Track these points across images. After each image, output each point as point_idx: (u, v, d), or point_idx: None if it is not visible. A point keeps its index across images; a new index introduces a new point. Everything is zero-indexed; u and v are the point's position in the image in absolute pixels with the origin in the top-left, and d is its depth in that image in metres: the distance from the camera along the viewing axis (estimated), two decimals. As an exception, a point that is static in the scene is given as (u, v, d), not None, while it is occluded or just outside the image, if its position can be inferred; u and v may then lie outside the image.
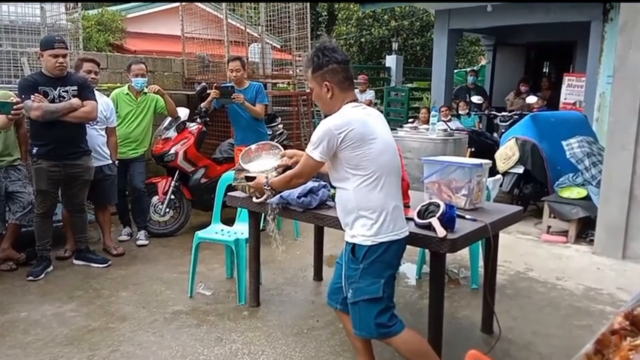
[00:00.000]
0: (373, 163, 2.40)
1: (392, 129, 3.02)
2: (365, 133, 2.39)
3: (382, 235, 2.40)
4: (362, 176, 2.40)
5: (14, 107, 3.80)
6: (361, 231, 2.42)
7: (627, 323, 1.34)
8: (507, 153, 6.06)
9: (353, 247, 2.46)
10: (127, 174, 5.15)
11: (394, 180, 2.49)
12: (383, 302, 2.44)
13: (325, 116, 2.52)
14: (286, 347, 3.21)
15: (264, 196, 3.29)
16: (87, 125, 4.50)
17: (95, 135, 4.65)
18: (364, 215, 2.41)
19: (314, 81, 2.52)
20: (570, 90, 8.39)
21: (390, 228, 2.42)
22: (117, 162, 4.93)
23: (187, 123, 5.52)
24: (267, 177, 2.97)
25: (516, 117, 7.47)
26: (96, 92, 4.74)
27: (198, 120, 5.54)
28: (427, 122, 7.48)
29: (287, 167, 2.99)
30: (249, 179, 3.17)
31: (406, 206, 3.13)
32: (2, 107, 3.82)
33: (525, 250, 5.10)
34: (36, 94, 3.97)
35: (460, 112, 8.77)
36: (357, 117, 2.43)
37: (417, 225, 2.73)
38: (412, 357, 2.53)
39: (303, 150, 2.70)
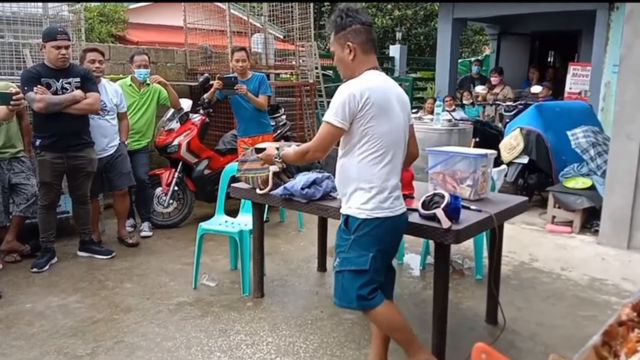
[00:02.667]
0: (383, 138, 2.38)
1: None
2: (384, 106, 2.37)
3: (378, 211, 2.40)
4: (370, 149, 2.38)
5: (14, 97, 3.75)
6: (357, 203, 2.41)
7: (634, 314, 1.32)
8: (512, 143, 6.03)
9: (347, 218, 2.46)
10: (131, 166, 5.14)
11: (399, 158, 2.48)
12: (368, 275, 2.42)
13: (345, 82, 2.45)
14: (290, 338, 3.21)
15: (268, 187, 3.29)
16: (98, 116, 4.51)
17: (108, 126, 4.64)
18: (363, 188, 2.40)
19: (336, 43, 2.45)
20: (576, 79, 8.34)
21: (387, 204, 2.42)
22: (127, 143, 4.91)
23: (190, 114, 5.51)
24: (278, 149, 2.86)
25: (521, 107, 7.43)
26: (104, 80, 4.76)
27: (201, 111, 5.53)
28: (432, 112, 7.45)
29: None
30: (259, 150, 3.03)
31: (410, 197, 3.12)
32: (1, 97, 3.78)
33: (530, 240, 5.08)
34: (39, 86, 3.96)
35: (464, 102, 8.73)
36: (379, 86, 2.39)
37: (421, 216, 2.71)
38: (387, 329, 2.58)
39: (304, 141, 2.67)
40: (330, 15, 2.51)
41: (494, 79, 8.69)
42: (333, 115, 2.36)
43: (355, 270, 2.42)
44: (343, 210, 2.50)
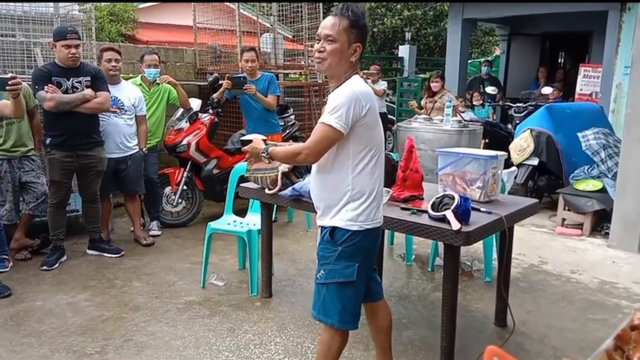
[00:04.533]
0: (377, 147, 2.31)
1: (405, 119, 2.96)
2: (376, 114, 2.31)
3: (368, 222, 2.30)
4: (366, 158, 2.27)
5: (9, 82, 3.56)
6: (349, 215, 2.28)
7: (648, 319, 1.31)
8: (522, 144, 6.00)
9: (333, 230, 2.32)
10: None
11: (383, 162, 2.41)
12: (354, 286, 2.35)
13: (336, 83, 2.31)
14: (298, 338, 3.21)
15: (277, 188, 3.29)
16: (114, 114, 4.53)
17: (122, 125, 4.65)
18: (356, 199, 2.28)
19: (344, 34, 2.24)
20: (586, 81, 8.27)
21: (375, 215, 2.33)
22: (145, 150, 4.92)
23: (200, 114, 5.52)
24: (266, 143, 2.63)
25: (531, 108, 7.39)
26: (125, 82, 4.79)
27: (210, 111, 5.54)
28: (463, 109, 7.43)
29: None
30: (244, 142, 2.78)
31: (420, 198, 3.11)
32: None
33: (540, 243, 5.05)
34: (49, 85, 3.98)
35: (474, 103, 8.69)
36: (371, 92, 2.33)
37: (431, 217, 2.71)
38: (322, 356, 2.44)
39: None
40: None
41: (434, 85, 7.30)
42: (334, 117, 2.18)
43: (342, 282, 2.32)
44: (328, 223, 2.34)
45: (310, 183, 2.52)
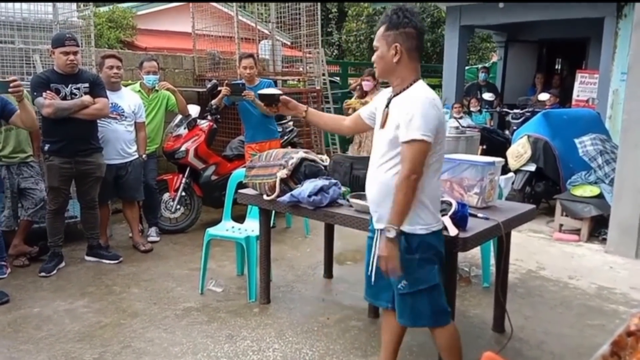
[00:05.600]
0: (443, 148, 2.35)
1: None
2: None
3: (435, 224, 2.36)
4: (436, 163, 2.32)
5: (11, 85, 3.55)
6: (420, 220, 2.31)
7: (644, 325, 1.32)
8: (519, 151, 6.01)
9: (407, 238, 2.31)
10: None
11: None
12: (438, 288, 2.39)
13: (384, 82, 2.34)
14: (297, 345, 3.21)
15: (275, 194, 3.30)
16: (115, 120, 4.54)
17: (122, 131, 4.66)
18: (425, 204, 2.31)
19: (382, 40, 2.32)
20: (583, 87, 8.31)
21: (439, 216, 2.41)
22: (144, 157, 4.93)
23: (198, 120, 5.53)
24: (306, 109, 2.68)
25: (528, 114, 7.41)
26: (125, 89, 4.81)
27: (209, 117, 5.55)
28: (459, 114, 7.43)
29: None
30: (263, 96, 2.82)
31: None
32: None
33: (537, 248, 5.06)
34: (48, 91, 3.99)
35: (471, 109, 8.72)
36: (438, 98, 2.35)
37: (428, 223, 2.71)
38: (449, 350, 2.51)
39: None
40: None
41: (366, 84, 6.34)
42: (423, 131, 2.17)
43: (428, 287, 2.36)
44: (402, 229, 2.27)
45: (369, 189, 2.48)
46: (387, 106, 2.37)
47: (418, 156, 2.21)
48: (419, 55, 2.35)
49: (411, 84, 2.30)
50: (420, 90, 2.28)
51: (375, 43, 2.37)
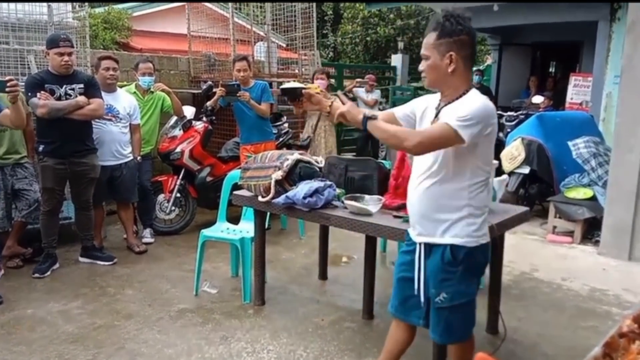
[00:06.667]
0: (492, 159, 2.31)
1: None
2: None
3: (483, 237, 2.28)
4: (485, 172, 2.24)
5: (8, 84, 3.50)
6: (466, 231, 2.23)
7: (635, 326, 1.33)
8: (513, 153, 6.04)
9: (452, 249, 2.24)
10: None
11: None
12: (475, 302, 2.36)
13: (449, 98, 2.20)
14: (291, 346, 3.21)
15: (270, 195, 3.30)
16: (110, 122, 4.53)
17: (117, 133, 4.65)
18: (473, 214, 2.23)
19: (434, 49, 2.17)
20: (577, 90, 8.35)
21: (486, 229, 2.31)
22: (139, 157, 4.92)
23: (193, 122, 5.53)
24: (338, 96, 2.43)
25: (522, 116, 7.44)
26: (120, 90, 4.80)
27: (204, 118, 5.55)
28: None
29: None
30: (285, 91, 2.65)
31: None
32: None
33: (531, 250, 5.08)
34: (42, 92, 3.98)
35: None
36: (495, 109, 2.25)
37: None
38: None
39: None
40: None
41: (320, 82, 5.83)
42: (462, 123, 2.07)
43: (466, 302, 2.31)
44: (441, 240, 2.25)
45: (411, 202, 2.38)
46: (436, 116, 2.26)
47: (440, 138, 2.11)
48: (472, 63, 2.28)
49: (464, 93, 2.20)
50: (477, 96, 2.18)
51: (424, 52, 2.21)
